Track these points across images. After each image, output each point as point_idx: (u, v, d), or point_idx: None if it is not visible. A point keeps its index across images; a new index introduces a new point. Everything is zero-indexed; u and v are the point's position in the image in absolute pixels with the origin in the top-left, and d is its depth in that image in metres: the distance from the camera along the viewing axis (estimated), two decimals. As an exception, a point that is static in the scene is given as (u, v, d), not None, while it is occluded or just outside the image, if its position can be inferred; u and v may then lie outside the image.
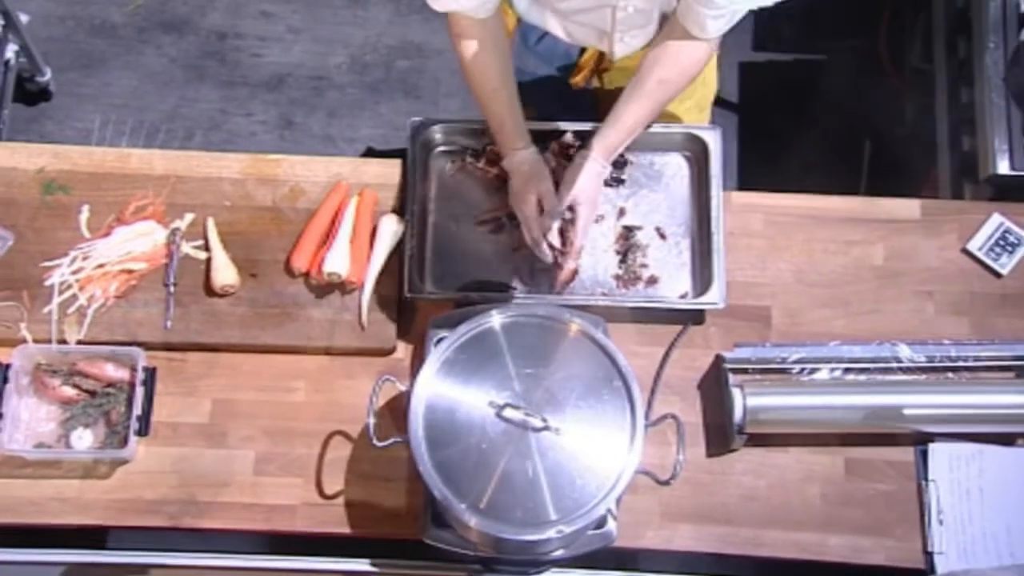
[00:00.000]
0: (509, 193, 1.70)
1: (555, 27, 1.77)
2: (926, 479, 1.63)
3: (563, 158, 1.74)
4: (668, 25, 1.61)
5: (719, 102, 2.87)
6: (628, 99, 1.62)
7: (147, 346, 1.67)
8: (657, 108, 1.64)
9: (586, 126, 1.75)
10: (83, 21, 2.98)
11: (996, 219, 1.79)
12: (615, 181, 1.79)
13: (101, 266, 1.69)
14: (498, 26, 1.64)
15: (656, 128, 1.80)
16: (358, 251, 1.71)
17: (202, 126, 2.89)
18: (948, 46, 2.33)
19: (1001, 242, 1.77)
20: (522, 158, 1.67)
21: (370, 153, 2.86)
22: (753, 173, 2.84)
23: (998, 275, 1.76)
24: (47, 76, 2.81)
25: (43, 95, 2.86)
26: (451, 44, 1.64)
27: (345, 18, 2.99)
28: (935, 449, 1.64)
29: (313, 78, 2.95)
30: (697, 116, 1.93)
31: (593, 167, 1.62)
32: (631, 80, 1.63)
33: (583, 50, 1.88)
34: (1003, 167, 1.98)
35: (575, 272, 1.69)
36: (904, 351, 1.67)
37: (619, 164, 1.79)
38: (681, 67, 1.61)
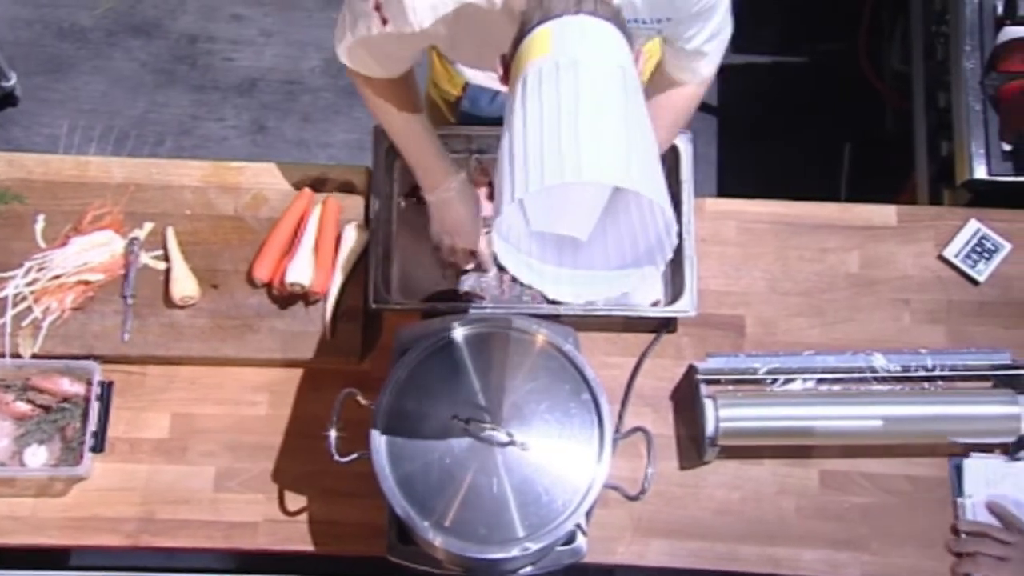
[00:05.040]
0: (443, 228, 1.64)
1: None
2: (961, 494, 1.60)
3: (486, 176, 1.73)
4: (655, 79, 1.55)
5: (699, 106, 2.86)
6: None
7: (104, 359, 1.63)
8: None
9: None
10: (50, 24, 2.93)
11: (973, 225, 1.76)
12: None
13: (57, 277, 1.65)
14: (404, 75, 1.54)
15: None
16: (322, 261, 1.67)
17: (173, 131, 2.84)
18: (926, 49, 2.31)
19: (978, 249, 1.74)
20: (455, 186, 1.60)
21: (344, 158, 2.82)
22: (732, 177, 2.82)
23: (975, 282, 1.74)
24: (13, 81, 2.76)
25: (9, 100, 2.81)
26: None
27: (319, 21, 2.95)
28: (970, 464, 1.61)
29: (286, 82, 2.91)
30: None
31: None
32: None
33: None
34: (980, 172, 1.95)
35: None
36: (879, 360, 1.65)
37: None
38: (681, 113, 1.58)
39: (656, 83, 1.56)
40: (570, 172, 0.96)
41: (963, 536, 1.58)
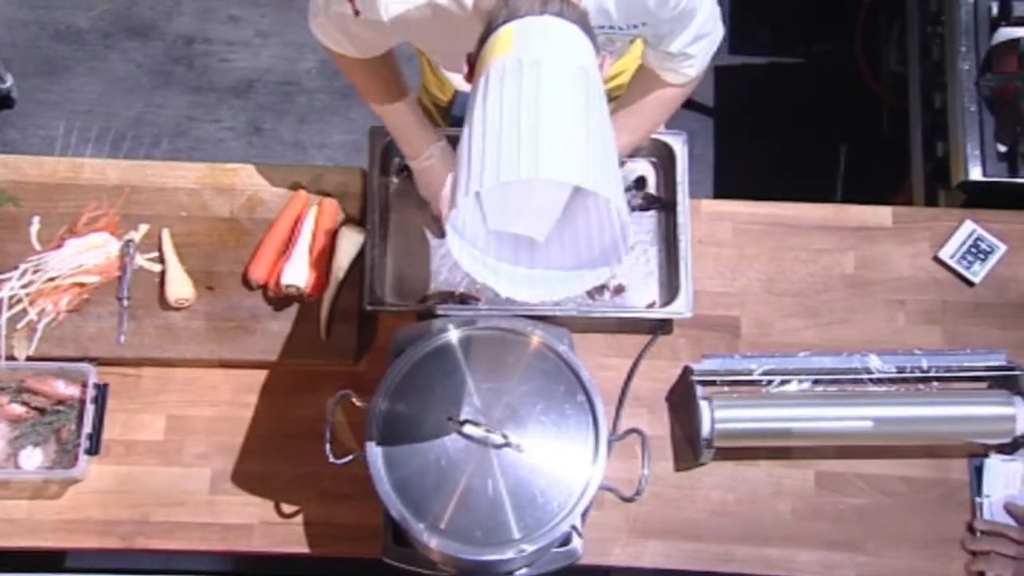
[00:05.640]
0: (428, 193, 1.66)
1: None
2: (980, 494, 1.61)
3: None
4: (642, 76, 1.55)
5: (695, 106, 2.87)
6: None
7: (100, 361, 1.63)
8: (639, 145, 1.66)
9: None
10: (47, 26, 2.93)
11: (968, 226, 1.76)
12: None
13: (52, 279, 1.65)
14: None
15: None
16: (318, 262, 1.67)
17: (169, 133, 2.84)
18: (922, 50, 2.30)
19: (973, 250, 1.74)
20: (436, 153, 1.63)
21: (340, 159, 2.82)
22: (728, 178, 2.82)
23: (970, 283, 1.74)
24: (9, 83, 2.75)
25: (5, 102, 2.80)
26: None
27: (315, 22, 2.95)
28: (990, 465, 1.61)
29: (282, 83, 2.91)
30: None
31: None
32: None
33: None
34: (975, 173, 1.95)
35: None
36: (874, 362, 1.64)
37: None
38: (664, 112, 1.59)
39: (640, 81, 1.56)
40: (526, 169, 0.96)
41: (979, 535, 1.58)
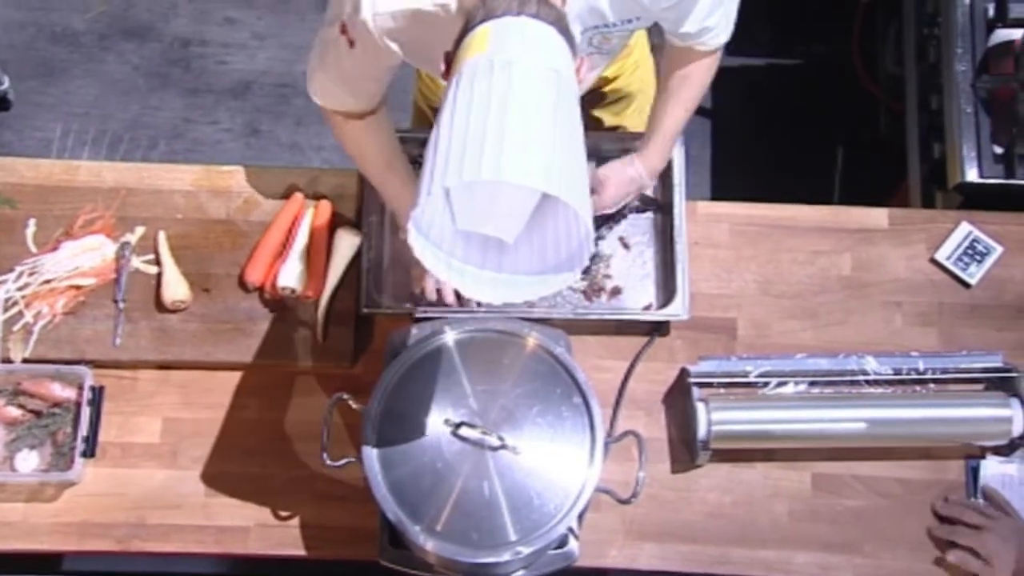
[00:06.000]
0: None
1: None
2: (976, 496, 1.60)
3: None
4: (673, 52, 1.54)
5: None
6: (658, 125, 1.60)
7: (96, 364, 1.63)
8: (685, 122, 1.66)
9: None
10: (43, 28, 2.93)
11: (965, 228, 1.76)
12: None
13: (48, 282, 1.65)
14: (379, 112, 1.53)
15: (618, 136, 1.77)
16: (314, 264, 1.67)
17: (166, 135, 2.84)
18: (918, 52, 2.31)
19: (970, 251, 1.74)
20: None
21: (337, 161, 2.82)
22: (726, 180, 2.82)
23: (967, 285, 1.74)
24: (5, 85, 2.75)
25: (1, 104, 2.81)
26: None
27: (312, 24, 2.95)
28: (987, 466, 1.61)
29: (279, 85, 2.91)
30: (638, 120, 1.90)
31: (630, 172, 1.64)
32: (656, 106, 1.61)
33: None
34: (972, 175, 1.95)
35: None
36: (871, 363, 1.64)
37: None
38: (699, 87, 1.59)
39: (673, 57, 1.55)
40: (488, 170, 0.95)
41: (949, 500, 1.59)
